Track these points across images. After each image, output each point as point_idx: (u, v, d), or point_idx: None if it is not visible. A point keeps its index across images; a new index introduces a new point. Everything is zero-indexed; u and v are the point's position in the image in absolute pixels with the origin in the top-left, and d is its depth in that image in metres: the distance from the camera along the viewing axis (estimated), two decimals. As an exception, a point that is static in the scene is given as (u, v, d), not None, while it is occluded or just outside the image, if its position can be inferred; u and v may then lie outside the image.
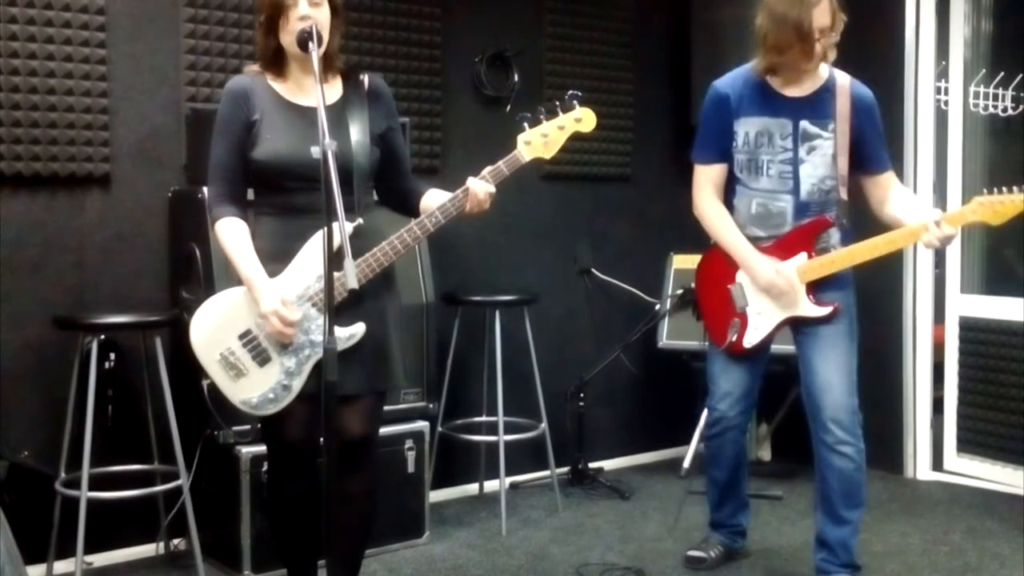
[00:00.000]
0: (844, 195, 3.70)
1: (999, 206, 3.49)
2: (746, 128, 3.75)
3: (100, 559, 4.12)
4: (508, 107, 5.15)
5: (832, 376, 3.71)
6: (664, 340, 5.41)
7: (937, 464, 5.49)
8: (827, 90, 3.72)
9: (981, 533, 4.57)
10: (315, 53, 2.87)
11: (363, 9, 4.77)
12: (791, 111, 3.71)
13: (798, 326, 3.81)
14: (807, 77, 3.70)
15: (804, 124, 3.70)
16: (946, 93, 5.50)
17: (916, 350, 5.47)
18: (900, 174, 5.30)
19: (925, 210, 3.65)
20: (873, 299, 5.43)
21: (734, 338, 3.84)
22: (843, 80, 3.73)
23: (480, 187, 3.07)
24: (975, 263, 5.52)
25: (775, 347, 4.03)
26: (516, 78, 5.24)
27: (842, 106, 3.68)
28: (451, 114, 5.10)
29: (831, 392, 3.70)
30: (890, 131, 5.31)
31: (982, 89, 5.49)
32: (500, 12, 5.28)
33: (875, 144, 3.76)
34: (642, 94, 5.72)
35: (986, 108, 5.52)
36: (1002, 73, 5.51)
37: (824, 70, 3.73)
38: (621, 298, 5.60)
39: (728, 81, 3.80)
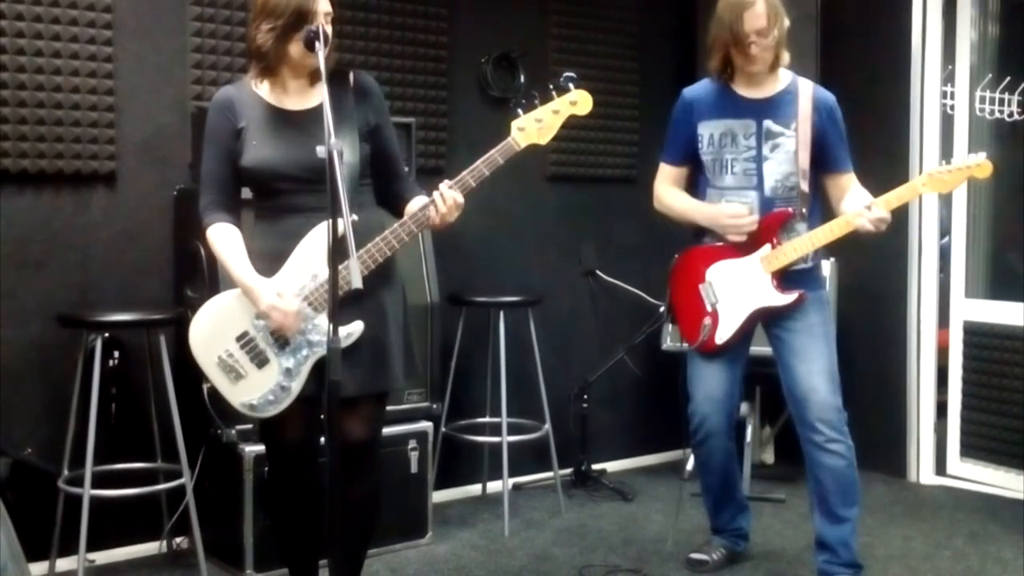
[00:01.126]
0: (805, 187, 3.80)
1: (947, 176, 3.68)
2: (710, 130, 3.87)
3: (102, 557, 4.12)
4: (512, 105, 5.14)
5: (815, 378, 3.77)
6: (668, 342, 5.38)
7: (940, 468, 5.48)
8: (789, 93, 3.84)
9: (984, 538, 4.56)
10: (321, 53, 2.87)
11: (369, 9, 4.78)
12: (754, 112, 3.82)
13: (773, 327, 3.87)
14: (762, 80, 3.82)
15: (767, 123, 3.81)
16: (952, 97, 5.50)
17: (920, 354, 5.46)
18: (905, 178, 5.31)
19: (864, 197, 3.76)
20: (877, 303, 5.45)
21: (706, 336, 3.88)
22: (805, 85, 3.86)
23: (447, 196, 3.01)
24: (979, 267, 5.52)
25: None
26: (522, 79, 5.25)
27: (803, 107, 3.79)
28: (457, 115, 5.11)
29: (816, 393, 3.76)
30: (896, 135, 5.36)
31: (988, 94, 5.49)
32: (506, 13, 5.28)
33: (837, 145, 3.86)
34: (647, 96, 5.72)
35: (992, 113, 5.51)
36: (1008, 78, 5.51)
37: (786, 76, 3.86)
38: (625, 300, 5.60)
39: (695, 88, 3.98)
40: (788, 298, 3.79)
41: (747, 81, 3.83)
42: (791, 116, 3.79)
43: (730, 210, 3.83)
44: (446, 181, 3.06)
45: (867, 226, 3.65)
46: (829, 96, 3.86)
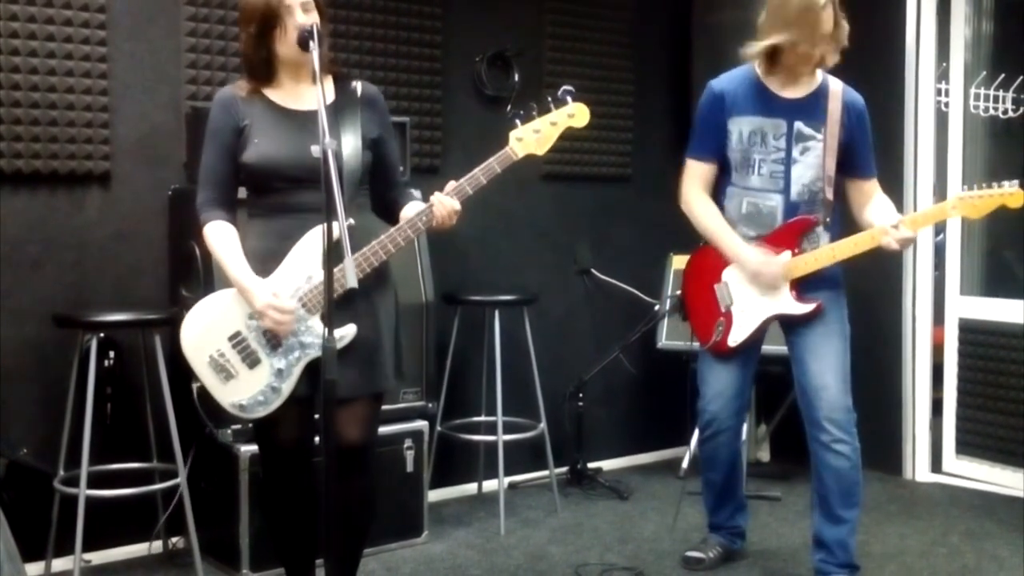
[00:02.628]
0: (830, 195, 3.76)
1: (978, 201, 3.63)
2: (740, 127, 3.78)
3: (98, 557, 4.12)
4: (508, 107, 5.14)
5: (828, 376, 3.74)
6: (663, 341, 5.40)
7: (936, 466, 5.49)
8: (821, 94, 3.77)
9: (980, 535, 4.57)
10: (315, 52, 2.87)
11: (364, 8, 4.78)
12: (786, 112, 3.75)
13: (789, 327, 3.85)
14: (799, 79, 3.75)
15: (799, 125, 3.75)
16: (946, 95, 5.51)
17: (915, 352, 5.47)
18: (900, 176, 5.35)
19: (892, 214, 3.73)
20: (873, 301, 5.45)
21: (719, 337, 3.86)
22: (836, 86, 3.78)
23: (446, 202, 3.03)
24: (975, 265, 5.53)
25: (773, 348, 4.04)
26: (516, 78, 5.24)
27: (833, 109, 3.73)
28: (451, 114, 5.10)
29: (827, 392, 3.73)
30: (890, 133, 5.36)
31: (982, 91, 5.49)
32: (501, 12, 5.28)
33: (863, 151, 3.82)
34: (642, 94, 5.72)
35: (986, 110, 5.52)
36: (1003, 75, 5.51)
37: (819, 75, 3.78)
38: (620, 298, 5.60)
39: (725, 80, 3.85)
40: (806, 308, 3.75)
41: (784, 79, 3.75)
42: (821, 118, 3.73)
43: (763, 261, 3.75)
44: (451, 182, 3.07)
45: (892, 245, 3.61)
46: (859, 99, 3.79)
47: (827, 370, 3.75)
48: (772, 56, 3.71)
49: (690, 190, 3.90)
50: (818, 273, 3.76)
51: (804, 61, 3.66)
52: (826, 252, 3.73)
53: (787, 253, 3.76)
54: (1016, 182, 3.58)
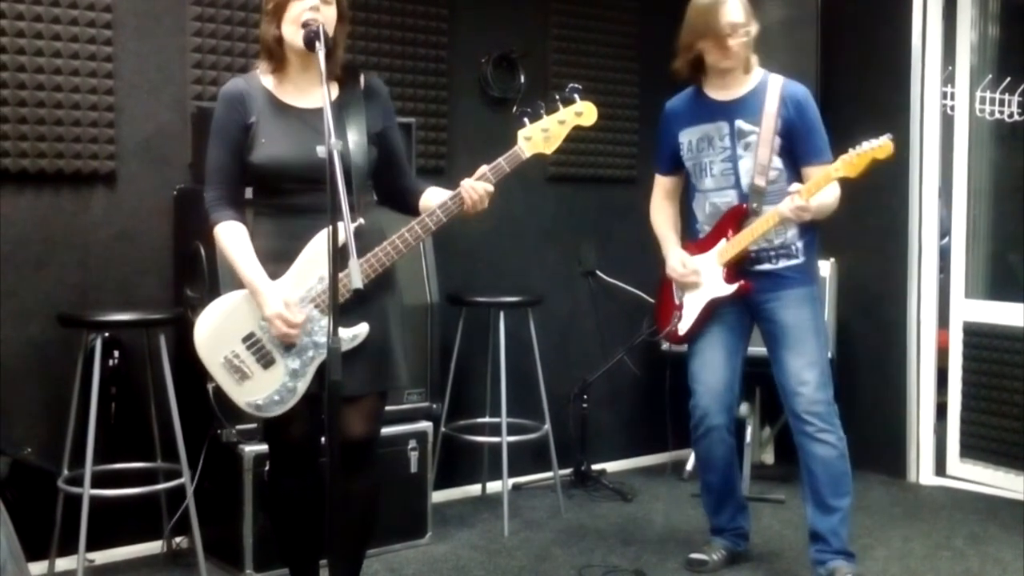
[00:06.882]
0: (761, 183, 3.84)
1: (855, 159, 3.71)
2: (689, 137, 3.98)
3: (102, 556, 4.12)
4: (514, 108, 5.15)
5: (804, 372, 3.84)
6: (666, 342, 5.39)
7: (940, 469, 5.48)
8: (760, 90, 3.89)
9: (983, 539, 4.56)
10: (321, 52, 2.86)
11: (370, 9, 4.78)
12: (725, 113, 3.90)
13: (763, 324, 3.96)
14: (733, 81, 3.88)
15: (739, 123, 3.87)
16: (952, 98, 5.50)
17: (920, 355, 5.46)
18: (906, 178, 5.34)
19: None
20: (877, 303, 5.45)
21: (672, 328, 4.07)
22: (775, 81, 3.90)
23: (477, 186, 3.07)
24: (979, 268, 5.52)
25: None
26: (522, 79, 5.25)
27: (769, 103, 3.84)
28: (457, 115, 5.11)
29: (807, 387, 3.83)
30: (896, 136, 5.32)
31: (988, 94, 5.49)
32: (506, 13, 5.28)
33: (805, 139, 3.86)
34: (647, 96, 5.70)
35: (992, 113, 5.52)
36: (1008, 79, 5.51)
37: (756, 75, 3.91)
38: (625, 300, 5.60)
39: (675, 99, 4.09)
40: (731, 288, 3.90)
41: (719, 83, 3.89)
42: (758, 113, 3.84)
43: (670, 266, 4.04)
44: (482, 170, 3.12)
45: (787, 213, 3.72)
46: (798, 90, 3.88)
47: (805, 366, 3.84)
48: (695, 67, 3.88)
49: (652, 201, 4.23)
50: (790, 270, 3.88)
51: (727, 57, 3.79)
52: (746, 232, 3.85)
53: (723, 240, 3.91)
54: (886, 136, 3.68)
